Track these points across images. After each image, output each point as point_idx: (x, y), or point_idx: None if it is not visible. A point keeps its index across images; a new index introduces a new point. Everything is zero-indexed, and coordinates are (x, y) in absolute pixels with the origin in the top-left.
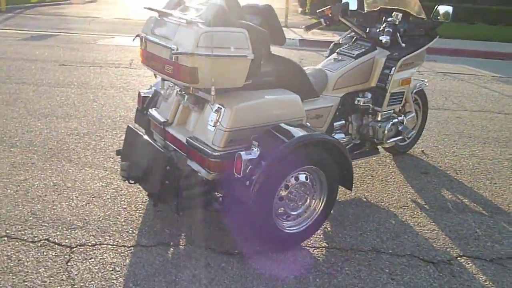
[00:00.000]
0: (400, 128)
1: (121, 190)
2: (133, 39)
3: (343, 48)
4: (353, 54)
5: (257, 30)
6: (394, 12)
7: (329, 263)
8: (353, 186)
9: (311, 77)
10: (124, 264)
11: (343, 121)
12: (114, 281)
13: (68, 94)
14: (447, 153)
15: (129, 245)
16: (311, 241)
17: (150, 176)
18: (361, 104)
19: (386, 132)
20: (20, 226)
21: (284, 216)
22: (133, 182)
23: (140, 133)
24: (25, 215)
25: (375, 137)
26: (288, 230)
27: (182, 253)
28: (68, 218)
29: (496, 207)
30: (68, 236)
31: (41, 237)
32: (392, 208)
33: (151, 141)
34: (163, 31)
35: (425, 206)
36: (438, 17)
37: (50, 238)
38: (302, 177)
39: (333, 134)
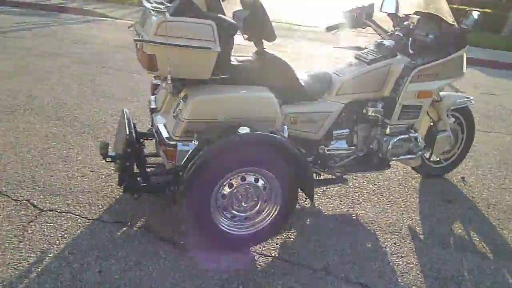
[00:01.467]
0: (410, 145)
1: None
2: (129, 27)
3: (362, 52)
4: (367, 59)
5: (227, 24)
6: (411, 15)
7: (267, 273)
8: (353, 201)
9: (309, 80)
10: (74, 233)
11: (347, 130)
12: (55, 246)
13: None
14: (491, 185)
15: (90, 218)
16: (262, 248)
17: (117, 156)
18: (369, 114)
19: (390, 147)
20: (14, 185)
21: (229, 215)
22: (109, 160)
23: (124, 116)
24: (25, 177)
25: (379, 151)
26: (232, 230)
27: (130, 234)
28: (57, 186)
29: (510, 254)
30: (46, 201)
31: (24, 197)
32: (379, 231)
33: (126, 125)
34: (145, 20)
35: (420, 236)
36: (467, 24)
37: (31, 200)
38: (250, 179)
39: (332, 142)
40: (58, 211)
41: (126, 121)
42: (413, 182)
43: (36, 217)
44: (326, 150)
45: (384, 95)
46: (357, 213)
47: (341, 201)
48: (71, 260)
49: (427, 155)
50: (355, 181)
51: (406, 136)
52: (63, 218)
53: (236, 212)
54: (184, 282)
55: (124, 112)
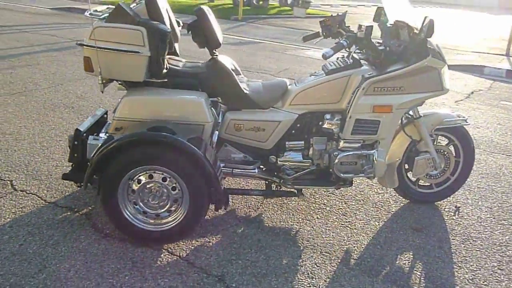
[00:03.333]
0: (362, 162)
1: None
2: None
3: (329, 62)
4: (327, 69)
5: (159, 30)
6: (361, 24)
7: (161, 269)
8: (306, 216)
9: (261, 88)
10: (25, 212)
11: (301, 142)
12: (3, 219)
13: None
14: (487, 218)
15: (47, 201)
16: (174, 246)
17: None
18: (324, 126)
19: (337, 162)
20: (10, 168)
21: (141, 210)
22: None
23: (97, 113)
24: (14, 160)
25: (330, 167)
26: (142, 225)
27: (68, 218)
28: (42, 171)
29: None
30: (25, 183)
31: (9, 178)
32: (309, 249)
33: (89, 121)
34: None
35: (352, 261)
36: (424, 31)
37: (13, 181)
38: (157, 177)
39: (285, 154)
40: (27, 192)
41: (91, 118)
42: (393, 206)
43: (7, 194)
44: (278, 161)
45: (342, 107)
46: (300, 229)
47: (293, 214)
48: (5, 232)
49: (415, 178)
50: (325, 197)
51: (358, 152)
52: (26, 198)
53: (146, 208)
54: (86, 264)
55: (99, 109)
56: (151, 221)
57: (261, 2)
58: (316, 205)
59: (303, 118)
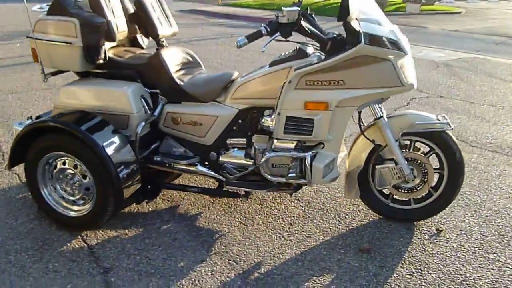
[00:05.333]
0: (292, 165)
1: None
2: None
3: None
4: (272, 61)
5: (91, 22)
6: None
7: (58, 251)
8: (242, 221)
9: (202, 81)
10: None
11: (244, 140)
12: None
13: None
14: (469, 249)
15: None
16: (89, 234)
17: None
18: (262, 124)
19: (264, 162)
20: None
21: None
22: None
23: None
24: None
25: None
26: (61, 210)
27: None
28: None
29: None
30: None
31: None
32: (217, 254)
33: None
34: None
35: (252, 277)
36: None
37: None
38: (70, 163)
39: (227, 152)
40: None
41: None
42: (357, 220)
43: None
44: (219, 158)
45: None
46: (227, 233)
47: (233, 217)
48: None
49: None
50: (282, 202)
51: (287, 154)
52: None
53: (63, 193)
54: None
55: None
56: (69, 206)
57: None
58: (267, 210)
59: (245, 113)
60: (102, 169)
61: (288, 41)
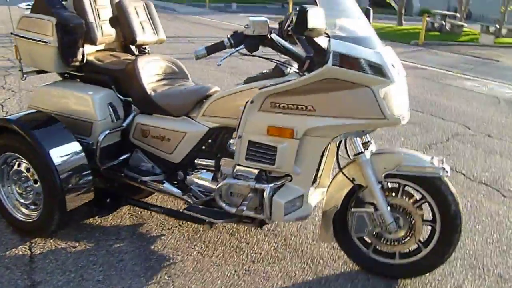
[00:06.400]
0: (249, 196)
1: None
2: None
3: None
4: (247, 78)
5: (66, 22)
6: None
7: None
8: (203, 249)
9: (177, 93)
10: None
11: (212, 162)
12: None
13: None
14: None
15: None
16: (38, 242)
17: None
18: (229, 146)
19: (218, 189)
20: None
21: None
22: None
23: None
24: None
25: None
26: (15, 213)
27: None
28: None
29: None
30: None
31: None
32: (150, 270)
33: None
34: None
35: None
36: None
37: None
38: (24, 166)
39: (194, 172)
40: None
41: None
42: (330, 269)
43: None
44: (186, 179)
45: None
46: (178, 262)
47: (193, 244)
48: None
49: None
50: (255, 235)
51: (243, 183)
52: None
53: (18, 197)
54: None
55: None
56: (23, 210)
57: (453, 27)
58: (235, 242)
59: (215, 132)
60: (48, 175)
61: (255, 56)
